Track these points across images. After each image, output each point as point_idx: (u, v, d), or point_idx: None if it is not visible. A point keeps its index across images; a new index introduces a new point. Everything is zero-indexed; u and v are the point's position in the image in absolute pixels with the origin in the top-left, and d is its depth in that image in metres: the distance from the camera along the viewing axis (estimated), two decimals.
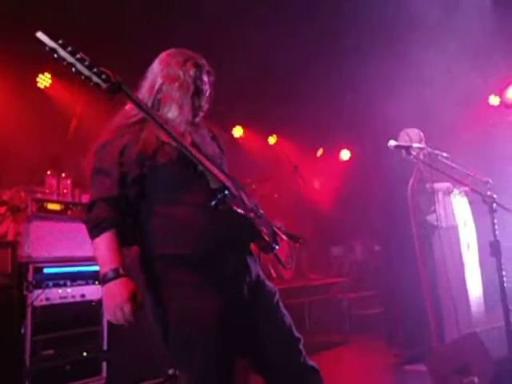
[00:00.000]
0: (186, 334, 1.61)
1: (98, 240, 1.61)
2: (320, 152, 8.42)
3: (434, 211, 4.05)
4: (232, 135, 7.59)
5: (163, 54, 1.87)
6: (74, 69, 1.42)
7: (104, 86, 1.45)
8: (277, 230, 1.98)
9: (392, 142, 3.05)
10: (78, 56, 1.42)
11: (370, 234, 6.99)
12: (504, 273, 2.34)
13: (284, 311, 1.82)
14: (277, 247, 1.91)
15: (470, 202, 4.25)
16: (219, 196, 1.55)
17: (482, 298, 4.07)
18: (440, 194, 4.08)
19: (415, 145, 3.34)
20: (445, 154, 3.26)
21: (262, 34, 5.05)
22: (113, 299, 1.55)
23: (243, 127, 7.74)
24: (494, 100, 6.21)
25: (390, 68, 5.28)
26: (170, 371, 3.82)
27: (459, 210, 4.11)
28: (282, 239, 2.01)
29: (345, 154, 8.37)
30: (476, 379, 2.92)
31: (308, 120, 6.94)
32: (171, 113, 1.78)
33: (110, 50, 4.18)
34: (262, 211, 1.95)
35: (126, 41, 4.72)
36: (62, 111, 5.06)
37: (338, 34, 5.33)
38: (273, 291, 1.84)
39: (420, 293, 3.96)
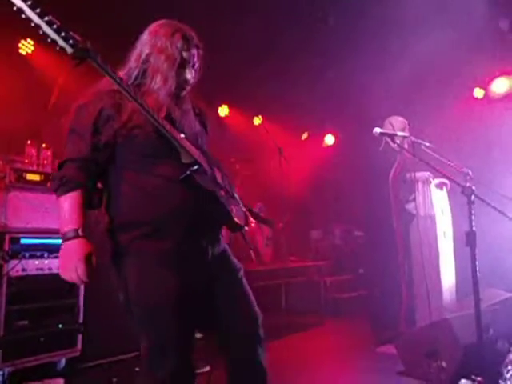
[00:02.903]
0: (147, 303, 1.65)
1: (62, 199, 1.62)
2: (305, 135, 8.42)
3: (414, 200, 4.11)
4: (217, 113, 7.53)
5: (153, 25, 1.86)
6: (40, 31, 1.41)
7: (70, 50, 1.43)
8: (247, 213, 2.00)
9: (377, 129, 3.06)
10: (46, 18, 1.40)
11: (350, 218, 7.07)
12: (477, 262, 2.39)
13: (246, 288, 1.90)
14: (245, 228, 1.96)
15: (448, 193, 4.32)
16: (189, 171, 1.60)
17: (454, 286, 4.17)
18: (420, 184, 4.14)
19: (400, 133, 3.36)
20: (428, 144, 3.30)
21: (251, 16, 5.00)
22: (68, 259, 1.58)
23: (229, 106, 7.68)
24: (478, 93, 6.27)
25: (376, 55, 5.29)
26: None
27: (438, 199, 4.18)
28: (252, 222, 2.04)
29: (329, 139, 8.39)
30: (444, 363, 3.02)
31: (294, 103, 6.92)
32: (156, 84, 1.75)
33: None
34: (235, 191, 1.97)
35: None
36: (44, 80, 4.92)
37: (325, 19, 5.30)
38: (237, 267, 1.94)
39: (396, 277, 4.06)
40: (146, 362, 1.66)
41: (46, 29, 1.41)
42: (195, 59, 1.84)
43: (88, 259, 1.59)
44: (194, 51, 1.84)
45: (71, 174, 1.63)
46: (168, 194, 1.67)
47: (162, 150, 1.67)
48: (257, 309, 1.87)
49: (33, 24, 1.41)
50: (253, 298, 1.88)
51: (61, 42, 1.43)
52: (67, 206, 1.61)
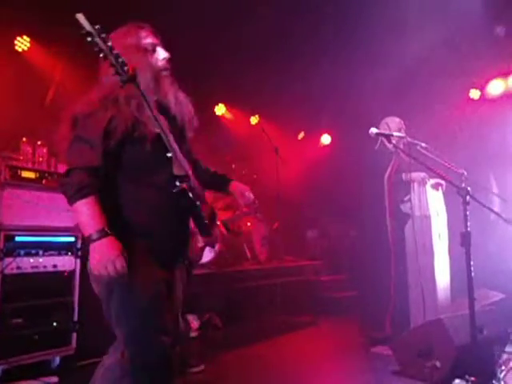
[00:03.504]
0: (130, 299, 1.74)
1: (80, 204, 1.67)
2: (301, 135, 8.42)
3: (409, 200, 4.12)
4: (214, 112, 7.53)
5: (112, 34, 1.89)
6: (102, 54, 1.58)
7: (124, 77, 1.62)
8: (217, 219, 2.15)
9: (373, 130, 3.07)
10: (109, 44, 1.58)
11: (345, 218, 7.08)
12: (472, 263, 2.41)
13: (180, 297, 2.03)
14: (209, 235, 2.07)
15: (444, 193, 4.33)
16: (180, 183, 1.75)
17: (448, 287, 4.19)
18: (415, 184, 4.15)
19: (396, 133, 3.37)
20: (423, 145, 3.31)
21: (249, 17, 5.01)
22: (103, 255, 1.65)
23: (226, 105, 7.67)
24: (474, 94, 6.29)
25: (373, 57, 5.30)
26: None
27: (433, 199, 4.19)
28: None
29: (325, 139, 8.40)
30: (438, 363, 3.03)
31: (291, 103, 6.92)
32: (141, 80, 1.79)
33: None
34: (204, 197, 2.07)
35: None
36: (41, 77, 4.90)
37: (324, 19, 5.31)
38: (185, 280, 2.03)
39: (386, 277, 4.07)
40: (125, 349, 1.75)
41: (109, 55, 1.58)
42: (161, 46, 1.94)
43: (123, 253, 1.68)
44: (157, 40, 1.94)
45: (87, 180, 1.69)
46: (158, 202, 1.80)
47: (156, 160, 1.78)
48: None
49: (97, 49, 1.56)
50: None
51: (118, 69, 1.61)
52: (87, 209, 1.67)
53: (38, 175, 3.43)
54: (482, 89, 6.26)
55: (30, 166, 3.47)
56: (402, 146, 3.73)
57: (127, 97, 1.73)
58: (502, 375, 2.91)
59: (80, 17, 1.51)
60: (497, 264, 4.65)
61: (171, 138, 1.79)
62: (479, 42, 5.23)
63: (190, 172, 1.88)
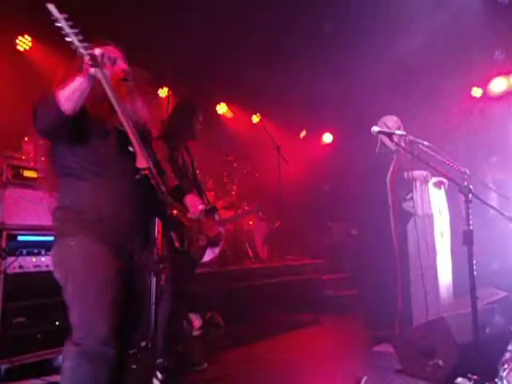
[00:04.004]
0: (79, 287, 1.85)
1: (59, 92, 1.79)
2: (303, 134, 8.42)
3: (411, 199, 4.11)
4: (216, 111, 7.53)
5: None
6: (68, 38, 1.77)
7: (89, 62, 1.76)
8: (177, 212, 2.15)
9: (375, 128, 3.07)
10: (76, 30, 1.77)
11: (347, 217, 7.07)
12: (474, 261, 2.40)
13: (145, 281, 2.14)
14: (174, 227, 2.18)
15: (446, 192, 4.32)
16: (142, 174, 1.86)
17: (451, 285, 4.18)
18: (418, 183, 4.14)
19: (398, 132, 3.36)
20: (425, 143, 3.30)
21: (251, 16, 5.01)
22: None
23: (227, 104, 7.67)
24: (476, 92, 6.28)
25: (375, 55, 5.29)
26: (143, 343, 3.85)
27: (435, 198, 4.18)
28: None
29: (327, 138, 8.39)
30: (440, 362, 3.03)
31: (293, 101, 6.92)
32: None
33: None
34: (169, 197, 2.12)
35: None
36: (42, 76, 4.90)
37: (326, 17, 5.31)
38: (148, 269, 2.19)
39: (392, 276, 4.06)
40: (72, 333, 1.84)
41: (73, 39, 1.77)
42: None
43: None
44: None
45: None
46: (116, 190, 1.92)
47: (119, 153, 1.91)
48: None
49: (63, 32, 1.77)
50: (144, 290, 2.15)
51: (80, 49, 1.77)
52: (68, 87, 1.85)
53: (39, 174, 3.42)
54: (484, 87, 6.25)
55: (32, 165, 3.47)
56: (403, 145, 3.73)
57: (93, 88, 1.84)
58: (504, 373, 2.90)
59: (51, 7, 1.77)
60: (498, 262, 4.64)
61: (133, 133, 1.89)
62: (481, 40, 5.22)
63: (154, 169, 1.95)
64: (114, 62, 2.07)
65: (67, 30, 1.76)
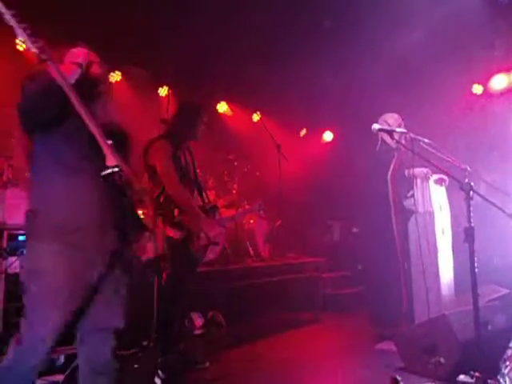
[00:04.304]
0: (46, 288, 1.85)
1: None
2: (303, 132, 8.41)
3: (412, 196, 4.11)
4: (216, 110, 7.52)
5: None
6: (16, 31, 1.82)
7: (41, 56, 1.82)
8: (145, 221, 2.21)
9: (375, 126, 3.06)
10: (24, 25, 1.81)
11: (348, 215, 7.07)
12: (476, 258, 2.40)
13: (120, 293, 2.10)
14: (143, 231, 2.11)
15: (447, 189, 4.32)
16: (110, 173, 1.86)
17: (452, 282, 4.18)
18: (419, 180, 4.13)
19: (398, 129, 3.35)
20: (426, 140, 3.29)
21: (250, 14, 5.01)
22: None
23: (228, 103, 7.67)
24: (477, 89, 6.26)
25: (375, 53, 5.28)
26: (144, 343, 3.85)
27: (436, 195, 4.17)
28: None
29: (328, 136, 8.38)
30: (442, 359, 3.03)
31: (293, 100, 6.91)
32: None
33: None
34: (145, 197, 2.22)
35: None
36: None
37: (325, 15, 5.30)
38: (125, 272, 2.10)
39: (395, 274, 4.06)
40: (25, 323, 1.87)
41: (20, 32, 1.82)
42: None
43: None
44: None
45: None
46: (87, 192, 1.92)
47: (90, 148, 1.89)
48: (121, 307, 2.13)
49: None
50: (123, 297, 2.13)
51: (28, 44, 1.82)
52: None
53: None
54: (484, 84, 6.24)
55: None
56: (404, 142, 3.72)
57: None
58: (506, 371, 2.90)
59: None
60: (500, 259, 4.64)
61: (99, 132, 1.88)
62: (482, 37, 5.21)
63: (124, 166, 1.94)
64: (90, 65, 2.11)
65: (14, 24, 1.80)
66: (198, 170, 3.65)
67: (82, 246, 1.89)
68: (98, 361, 2.04)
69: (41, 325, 1.85)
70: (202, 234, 3.36)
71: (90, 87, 2.06)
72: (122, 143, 2.16)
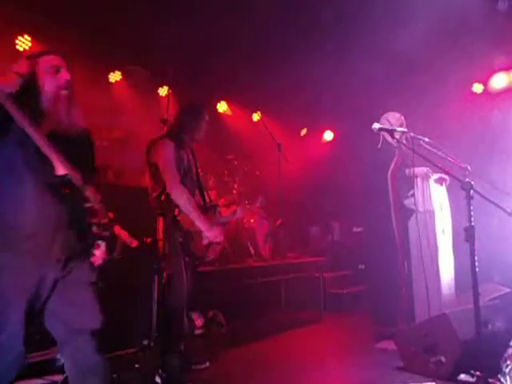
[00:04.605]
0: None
1: None
2: (304, 132, 8.41)
3: (413, 195, 4.11)
4: (216, 110, 7.52)
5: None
6: None
7: None
8: (96, 228, 2.12)
9: (376, 125, 3.06)
10: None
11: (348, 214, 7.07)
12: (476, 258, 2.39)
13: (86, 294, 2.10)
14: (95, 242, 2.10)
15: (447, 188, 4.31)
16: (60, 182, 1.90)
17: (453, 281, 4.17)
18: (419, 179, 4.13)
19: (399, 128, 3.35)
20: (427, 139, 3.29)
21: (249, 13, 5.01)
22: None
23: (228, 103, 7.66)
24: (477, 88, 6.26)
25: (375, 51, 5.27)
26: (145, 342, 3.85)
27: (437, 194, 4.17)
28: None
29: (328, 135, 8.38)
30: (443, 358, 3.03)
31: (293, 99, 6.91)
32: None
33: None
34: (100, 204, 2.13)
35: None
36: None
37: (325, 13, 5.28)
38: (86, 275, 2.10)
39: (396, 274, 4.06)
40: None
41: None
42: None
43: None
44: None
45: None
46: (36, 202, 1.93)
47: (37, 159, 1.90)
48: (92, 313, 2.15)
49: None
50: (90, 302, 2.14)
51: None
52: None
53: None
54: (485, 83, 6.23)
55: None
56: (404, 141, 3.72)
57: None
58: (507, 370, 2.89)
59: None
60: (501, 258, 4.63)
61: (45, 141, 1.90)
62: (482, 36, 5.20)
63: (74, 174, 1.97)
64: (57, 71, 2.11)
65: None
66: (199, 170, 3.66)
67: (33, 253, 1.92)
68: (86, 363, 2.06)
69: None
70: (204, 234, 3.36)
71: (35, 96, 2.06)
72: (84, 147, 2.21)
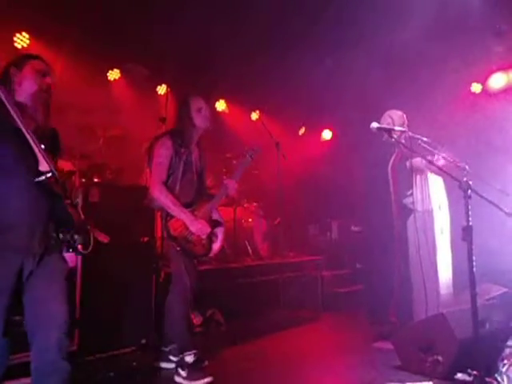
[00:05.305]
0: None
1: None
2: (302, 131, 8.41)
3: (412, 195, 4.10)
4: (215, 108, 7.51)
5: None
6: None
7: None
8: (86, 222, 2.24)
9: (374, 124, 3.06)
10: None
11: (347, 213, 7.07)
12: (474, 257, 2.40)
13: (56, 287, 2.13)
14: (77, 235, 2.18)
15: (446, 187, 4.31)
16: (44, 177, 1.96)
17: (451, 281, 4.18)
18: (418, 178, 4.13)
19: (397, 128, 3.35)
20: (425, 139, 3.30)
21: (247, 12, 5.00)
22: None
23: (226, 101, 7.66)
24: (476, 87, 6.26)
25: (374, 51, 5.27)
26: (143, 341, 3.85)
27: (435, 194, 4.17)
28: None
29: (327, 134, 8.38)
30: (440, 358, 3.03)
31: (292, 98, 6.90)
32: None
33: None
34: (77, 199, 2.23)
35: None
36: None
37: (323, 12, 5.28)
38: (59, 270, 2.18)
39: (393, 273, 4.06)
40: None
41: None
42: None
43: None
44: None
45: None
46: (19, 195, 2.00)
47: (22, 153, 1.98)
48: (62, 306, 2.16)
49: None
50: (62, 299, 2.16)
51: None
52: None
53: None
54: (483, 82, 6.24)
55: None
56: (403, 141, 3.72)
57: None
58: (504, 369, 2.90)
59: None
60: (498, 258, 4.63)
61: (32, 137, 1.98)
62: (481, 35, 5.20)
63: (56, 170, 2.05)
64: (44, 75, 2.22)
65: None
66: (204, 166, 3.63)
67: (14, 245, 1.98)
68: (45, 360, 2.08)
69: None
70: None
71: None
72: (54, 147, 2.27)
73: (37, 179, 1.97)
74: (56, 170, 2.07)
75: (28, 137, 1.97)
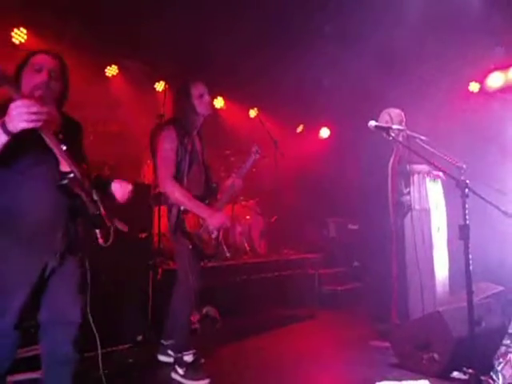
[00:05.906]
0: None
1: None
2: (300, 128, 8.41)
3: (409, 193, 4.11)
4: (213, 106, 7.49)
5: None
6: None
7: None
8: (105, 215, 2.21)
9: (372, 123, 3.05)
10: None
11: (344, 211, 7.07)
12: (470, 256, 2.40)
13: (73, 287, 2.19)
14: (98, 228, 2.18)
15: (443, 186, 4.32)
16: (67, 178, 1.98)
17: (447, 279, 4.19)
18: (416, 177, 4.14)
19: (395, 126, 3.35)
20: (423, 138, 3.30)
21: (246, 9, 5.00)
22: None
23: (224, 98, 7.65)
24: (474, 87, 6.27)
25: (373, 49, 5.27)
26: (139, 338, 3.85)
27: (433, 192, 4.18)
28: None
29: (324, 132, 8.38)
30: (436, 356, 3.04)
31: (290, 96, 6.90)
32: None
33: None
34: (96, 196, 2.19)
35: None
36: None
37: (321, 10, 5.28)
38: (78, 268, 2.20)
39: (390, 271, 4.07)
40: None
41: None
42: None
43: None
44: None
45: None
46: (40, 195, 2.01)
47: (42, 154, 1.97)
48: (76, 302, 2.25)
49: None
50: (75, 294, 2.23)
51: None
52: None
53: None
54: (481, 82, 6.24)
55: None
56: (401, 139, 3.72)
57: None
58: (499, 367, 2.91)
59: None
60: (495, 257, 4.65)
61: (51, 139, 1.96)
62: (479, 35, 5.21)
63: (77, 170, 2.04)
64: (39, 70, 2.17)
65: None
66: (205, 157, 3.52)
67: (38, 241, 2.00)
68: (58, 352, 2.13)
69: None
70: (208, 226, 3.18)
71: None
72: (76, 145, 2.25)
73: (59, 183, 1.99)
74: (77, 170, 2.05)
75: (46, 139, 1.94)
